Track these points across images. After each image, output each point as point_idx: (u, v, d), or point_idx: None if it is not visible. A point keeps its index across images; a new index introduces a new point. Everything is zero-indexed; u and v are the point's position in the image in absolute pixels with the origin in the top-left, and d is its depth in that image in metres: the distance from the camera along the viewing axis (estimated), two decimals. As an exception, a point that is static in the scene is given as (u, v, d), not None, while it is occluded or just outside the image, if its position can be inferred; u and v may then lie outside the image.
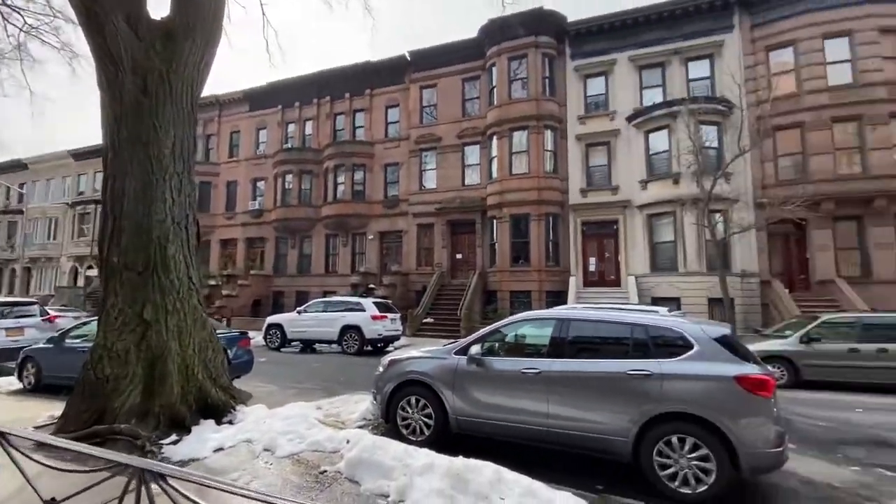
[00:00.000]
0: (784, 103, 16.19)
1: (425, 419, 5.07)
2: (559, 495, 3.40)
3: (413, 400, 5.16)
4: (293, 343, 14.86)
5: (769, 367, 4.69)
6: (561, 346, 4.72)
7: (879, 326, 9.14)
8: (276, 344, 14.56)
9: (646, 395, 4.12)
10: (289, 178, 24.43)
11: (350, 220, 22.97)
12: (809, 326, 9.42)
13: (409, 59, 22.58)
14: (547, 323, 5.02)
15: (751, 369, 3.99)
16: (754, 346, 9.49)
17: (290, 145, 25.47)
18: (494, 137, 19.66)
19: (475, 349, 5.01)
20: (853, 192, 15.17)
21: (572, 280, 17.60)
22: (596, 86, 19.25)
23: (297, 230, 24.42)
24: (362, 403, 6.36)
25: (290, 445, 4.54)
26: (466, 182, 21.18)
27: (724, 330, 4.42)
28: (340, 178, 23.19)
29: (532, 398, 4.58)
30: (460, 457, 3.83)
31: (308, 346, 14.86)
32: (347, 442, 4.34)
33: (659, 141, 17.16)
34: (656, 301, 15.19)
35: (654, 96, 17.99)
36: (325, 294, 20.99)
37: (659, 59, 18.20)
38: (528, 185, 18.62)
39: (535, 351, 5.06)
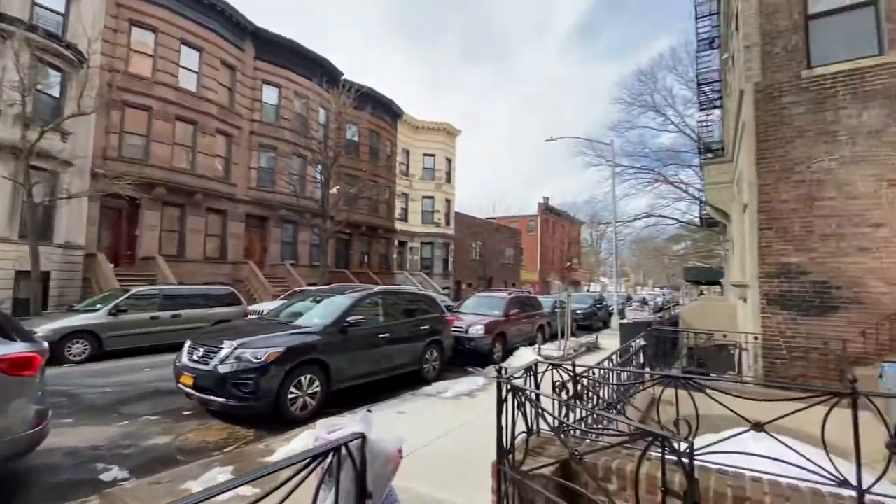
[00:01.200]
0: (137, 83, 16.60)
1: None
2: None
3: None
4: None
5: (41, 343, 4.27)
6: None
7: (177, 297, 11.10)
8: None
9: None
10: None
11: None
12: (119, 299, 9.92)
13: None
14: None
15: (16, 348, 3.54)
16: (58, 323, 8.86)
17: None
18: None
19: None
20: (182, 183, 17.75)
21: None
22: None
23: None
24: None
25: None
26: None
27: (-12, 307, 3.68)
28: None
29: None
30: None
31: None
32: None
33: (-31, 55, 12.45)
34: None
35: (-30, -9, 12.96)
36: None
37: (-12, -52, 13.36)
38: None
39: None
